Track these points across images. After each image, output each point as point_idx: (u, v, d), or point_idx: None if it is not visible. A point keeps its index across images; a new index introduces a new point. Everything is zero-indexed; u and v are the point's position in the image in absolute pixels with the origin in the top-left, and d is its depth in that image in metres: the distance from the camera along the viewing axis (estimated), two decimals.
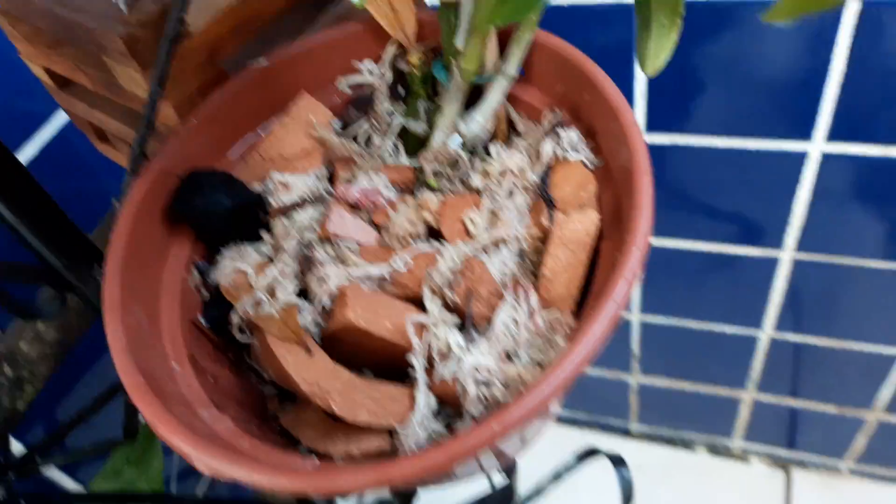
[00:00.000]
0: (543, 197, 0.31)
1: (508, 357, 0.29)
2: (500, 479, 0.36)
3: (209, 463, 0.25)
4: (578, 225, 0.29)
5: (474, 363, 0.28)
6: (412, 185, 0.34)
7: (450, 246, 0.31)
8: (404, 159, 0.35)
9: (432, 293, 0.30)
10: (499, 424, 0.23)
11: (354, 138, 0.35)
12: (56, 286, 0.35)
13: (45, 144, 0.50)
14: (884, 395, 0.81)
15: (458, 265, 0.30)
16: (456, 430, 0.28)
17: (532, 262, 0.32)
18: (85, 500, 0.49)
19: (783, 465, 0.97)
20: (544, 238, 0.31)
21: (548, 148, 0.32)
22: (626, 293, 0.25)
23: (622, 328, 0.87)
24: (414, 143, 0.35)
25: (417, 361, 0.29)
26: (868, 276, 0.70)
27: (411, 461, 0.23)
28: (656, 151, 0.65)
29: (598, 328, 0.24)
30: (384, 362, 0.31)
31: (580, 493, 0.97)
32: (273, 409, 0.34)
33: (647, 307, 0.83)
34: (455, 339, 0.29)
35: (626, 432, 1.05)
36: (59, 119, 0.52)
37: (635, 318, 0.85)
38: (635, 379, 0.94)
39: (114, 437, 0.45)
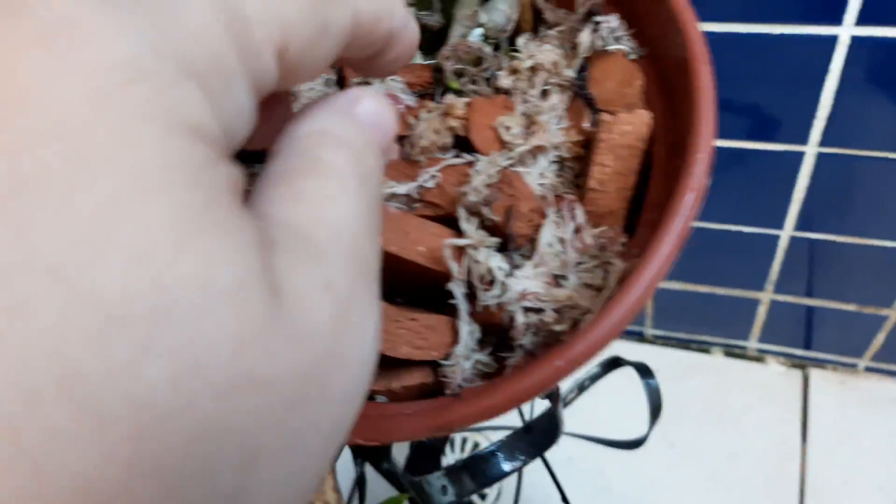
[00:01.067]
0: (582, 96, 0.28)
1: (556, 281, 0.27)
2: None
3: None
4: (628, 127, 0.26)
5: (521, 288, 0.25)
6: (430, 87, 0.30)
7: (482, 157, 0.27)
8: (419, 58, 0.32)
9: (468, 213, 0.27)
10: (563, 360, 0.21)
11: None
12: None
13: None
14: None
15: (495, 179, 0.26)
16: (506, 361, 0.26)
17: (573, 173, 0.29)
18: None
19: (800, 364, 0.97)
20: (585, 143, 0.28)
21: (585, 37, 0.28)
22: (693, 206, 0.22)
23: None
24: (430, 39, 0.31)
25: (457, 289, 0.26)
26: (890, 169, 0.67)
27: (469, 404, 0.21)
28: None
29: (666, 246, 0.21)
30: (419, 290, 0.28)
31: (601, 403, 0.97)
32: None
33: None
34: (497, 262, 0.26)
35: (640, 336, 1.05)
36: None
37: None
38: None
39: None
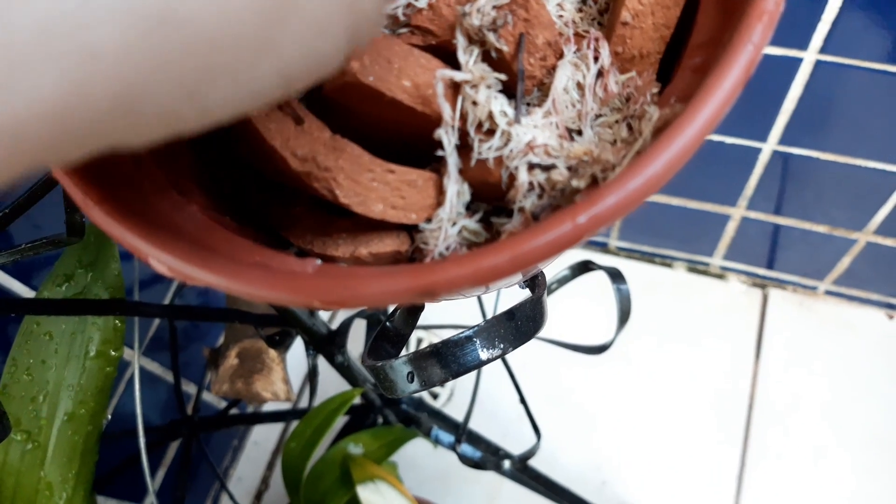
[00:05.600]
0: None
1: (569, 135, 0.22)
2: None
3: (170, 262, 0.18)
4: None
5: (528, 139, 0.21)
6: None
7: None
8: None
9: (468, 40, 0.22)
10: (586, 215, 0.16)
11: None
12: None
13: None
14: (881, 215, 0.78)
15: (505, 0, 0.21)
16: (501, 228, 0.21)
17: (597, 8, 0.24)
18: (32, 307, 0.43)
19: (761, 284, 0.96)
20: None
21: None
22: (764, 34, 0.17)
23: None
24: None
25: (448, 137, 0.22)
26: (887, 83, 0.64)
27: (462, 264, 0.17)
28: None
29: (728, 81, 0.17)
30: (398, 141, 0.23)
31: (568, 306, 0.95)
32: (257, 203, 0.26)
33: None
34: (500, 105, 0.21)
35: (604, 247, 1.02)
36: None
37: None
38: None
39: (58, 235, 0.37)
